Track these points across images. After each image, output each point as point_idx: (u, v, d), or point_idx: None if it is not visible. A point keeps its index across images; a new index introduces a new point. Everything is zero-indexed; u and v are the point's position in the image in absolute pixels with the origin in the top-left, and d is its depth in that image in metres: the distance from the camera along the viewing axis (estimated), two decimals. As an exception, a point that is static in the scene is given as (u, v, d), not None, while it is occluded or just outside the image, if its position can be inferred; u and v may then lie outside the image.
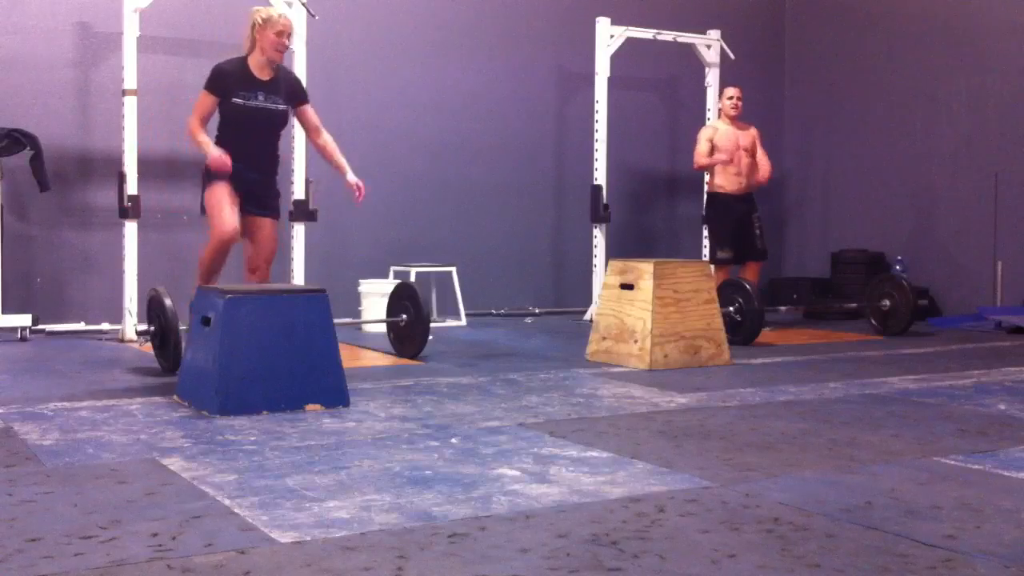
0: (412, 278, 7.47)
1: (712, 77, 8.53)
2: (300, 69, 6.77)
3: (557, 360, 5.80)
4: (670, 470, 3.14)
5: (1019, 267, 8.09)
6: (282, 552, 2.32)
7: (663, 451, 3.42)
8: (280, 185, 5.38)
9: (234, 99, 4.91)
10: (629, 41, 8.18)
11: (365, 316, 7.16)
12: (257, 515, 2.60)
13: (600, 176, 8.11)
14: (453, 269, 7.94)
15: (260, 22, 4.91)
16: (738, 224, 7.51)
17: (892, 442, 3.62)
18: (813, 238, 9.86)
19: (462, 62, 8.48)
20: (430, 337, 5.83)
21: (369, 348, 6.26)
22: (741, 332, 6.52)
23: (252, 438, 3.57)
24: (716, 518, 2.62)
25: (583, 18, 8.48)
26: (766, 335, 7.09)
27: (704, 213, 7.93)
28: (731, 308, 6.54)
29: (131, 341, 6.38)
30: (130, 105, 6.47)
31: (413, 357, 5.74)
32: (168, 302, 4.97)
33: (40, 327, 6.70)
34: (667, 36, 8.38)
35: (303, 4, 6.83)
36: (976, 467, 3.23)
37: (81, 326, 6.91)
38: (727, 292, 6.61)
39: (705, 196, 7.78)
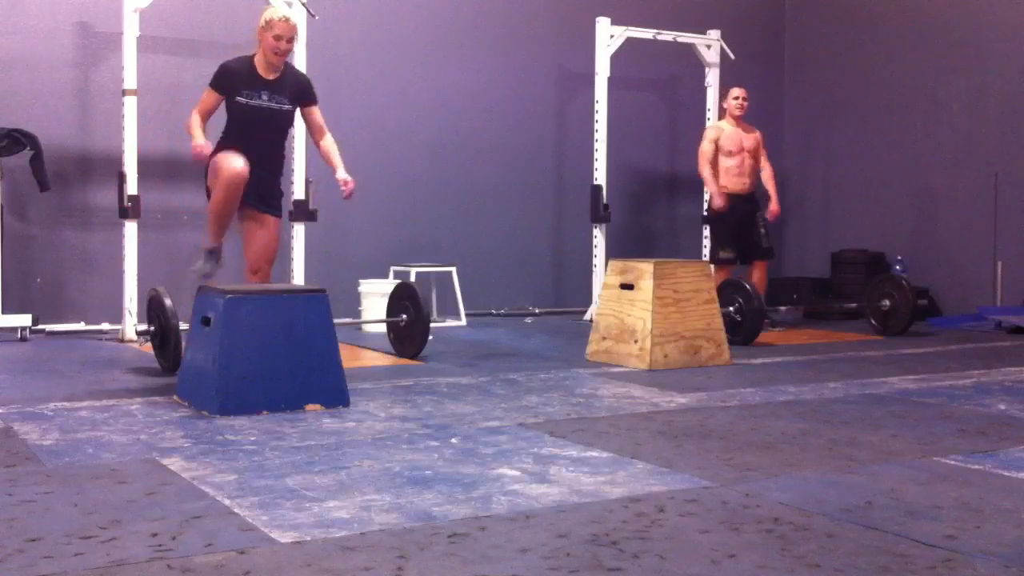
0: (412, 278, 7.47)
1: (712, 77, 8.53)
2: (300, 69, 6.76)
3: (557, 360, 5.80)
4: (670, 470, 3.14)
5: (1019, 267, 8.09)
6: (282, 552, 2.32)
7: (663, 451, 3.42)
8: (281, 185, 5.36)
9: (238, 98, 4.90)
10: (629, 41, 8.18)
11: (365, 316, 7.16)
12: (257, 515, 2.60)
13: (600, 176, 8.11)
14: (453, 269, 7.94)
15: (263, 23, 4.90)
16: (741, 224, 7.50)
17: (892, 442, 3.62)
18: (813, 238, 9.86)
19: (462, 62, 8.48)
20: (430, 337, 5.83)
21: (369, 348, 6.26)
22: (741, 332, 6.52)
23: (252, 438, 3.57)
24: (716, 518, 2.62)
25: (583, 18, 8.48)
26: (773, 335, 7.09)
27: (706, 213, 7.92)
28: (731, 308, 6.54)
29: (131, 341, 6.38)
30: (130, 105, 6.47)
31: (413, 357, 5.74)
32: (168, 302, 4.97)
33: (40, 327, 6.70)
34: (667, 36, 8.38)
35: (303, 4, 6.83)
36: (976, 467, 3.23)
37: (81, 326, 6.91)
38: (727, 292, 6.61)
39: (708, 196, 7.76)
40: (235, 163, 4.76)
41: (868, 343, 6.91)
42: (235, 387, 4.01)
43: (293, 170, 6.93)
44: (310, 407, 4.12)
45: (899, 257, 8.65)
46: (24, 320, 6.46)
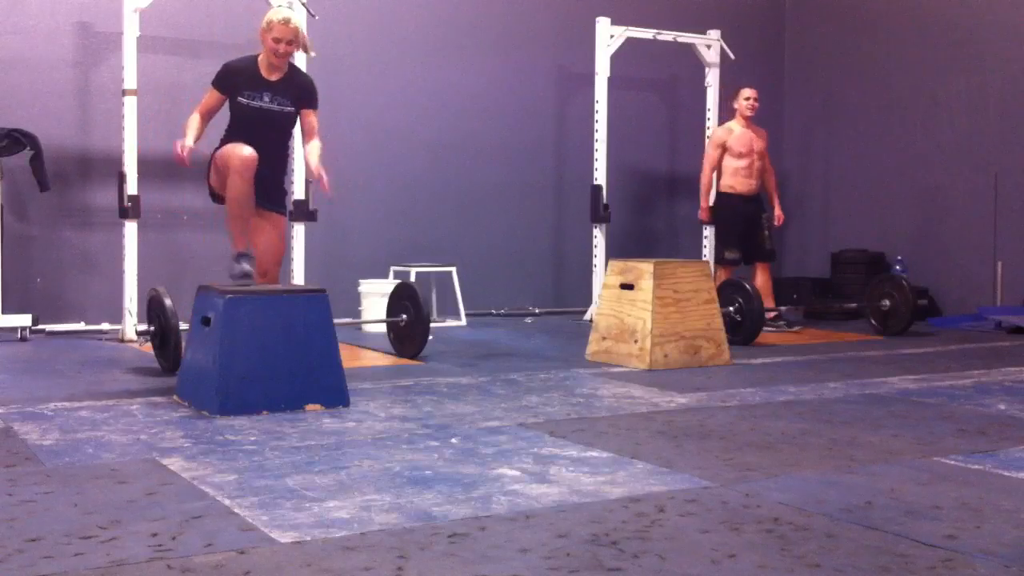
0: (412, 278, 7.47)
1: (712, 77, 8.53)
2: (300, 61, 6.75)
3: (557, 360, 5.80)
4: (670, 470, 3.14)
5: (1019, 267, 8.09)
6: (282, 552, 2.32)
7: (663, 451, 3.42)
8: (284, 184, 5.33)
9: (239, 98, 4.86)
10: (629, 41, 8.18)
11: (365, 316, 7.16)
12: (257, 515, 2.60)
13: (600, 176, 8.11)
14: (453, 269, 7.94)
15: (264, 25, 4.86)
16: (746, 225, 7.50)
17: (892, 442, 3.62)
18: (813, 238, 9.86)
19: (462, 62, 8.48)
20: (430, 337, 5.83)
21: (369, 348, 6.26)
22: (741, 332, 6.52)
23: (252, 438, 3.57)
24: (716, 518, 2.62)
25: (583, 18, 8.48)
26: (773, 336, 7.10)
27: (712, 213, 7.89)
28: (731, 308, 6.54)
29: (131, 341, 6.38)
30: (130, 105, 6.47)
31: (413, 357, 5.74)
32: (168, 302, 4.97)
33: (40, 327, 6.70)
34: (667, 36, 8.38)
35: (303, 4, 6.82)
36: (976, 467, 3.23)
37: (81, 326, 6.91)
38: (727, 292, 6.61)
39: (714, 196, 7.74)
40: (243, 150, 4.68)
41: (868, 343, 6.92)
42: (235, 387, 4.01)
43: (293, 170, 6.93)
44: (310, 407, 4.12)
45: (899, 257, 8.65)
46: (24, 320, 6.46)
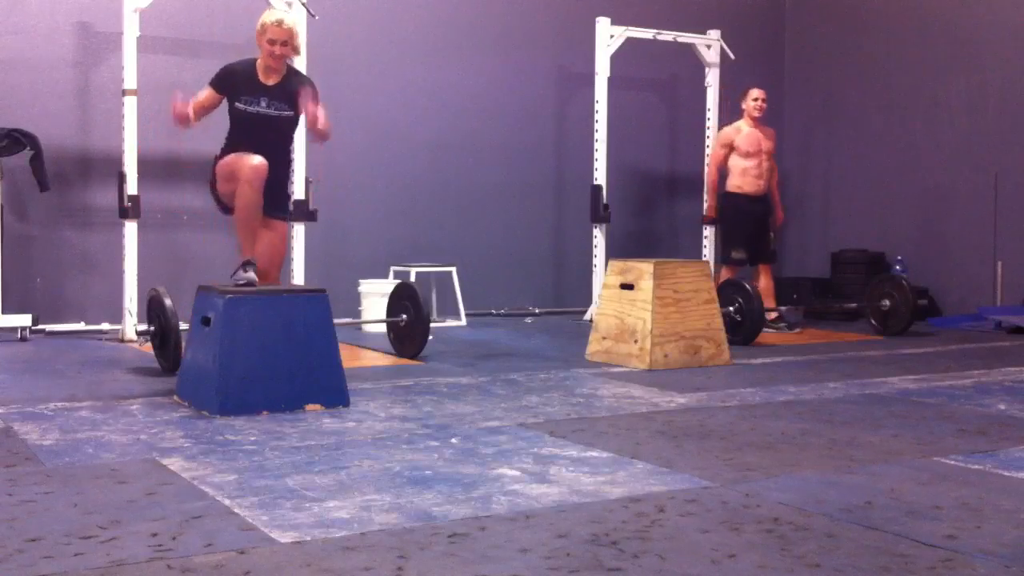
0: (412, 278, 7.47)
1: (712, 77, 8.53)
2: (300, 64, 6.76)
3: (557, 360, 5.80)
4: (670, 470, 3.14)
5: (1019, 267, 8.08)
6: (282, 552, 2.32)
7: (663, 451, 3.42)
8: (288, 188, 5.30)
9: (237, 104, 4.83)
10: (629, 41, 8.18)
11: (365, 316, 7.15)
12: (257, 515, 2.60)
13: (600, 176, 8.11)
14: (453, 269, 7.94)
15: (259, 27, 4.81)
16: (754, 226, 7.49)
17: (892, 442, 3.62)
18: (813, 238, 9.86)
19: (462, 62, 8.48)
20: (430, 337, 5.83)
21: (369, 348, 6.26)
22: (741, 332, 6.52)
23: (252, 438, 3.57)
24: (716, 518, 2.62)
25: (583, 18, 8.48)
26: (779, 336, 7.10)
27: (718, 213, 7.87)
28: (731, 308, 6.54)
29: (131, 341, 6.38)
30: (130, 105, 6.47)
31: (413, 357, 5.74)
32: (168, 302, 4.97)
33: (40, 327, 6.70)
34: (667, 36, 8.38)
35: (303, 4, 6.82)
36: (976, 467, 3.23)
37: (81, 326, 6.91)
38: (727, 292, 6.61)
39: (722, 195, 7.72)
40: (252, 159, 4.67)
41: (868, 343, 6.92)
42: (235, 387, 4.01)
43: (293, 170, 6.92)
44: (310, 407, 4.12)
45: (899, 257, 8.65)
46: (24, 320, 6.46)
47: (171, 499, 2.75)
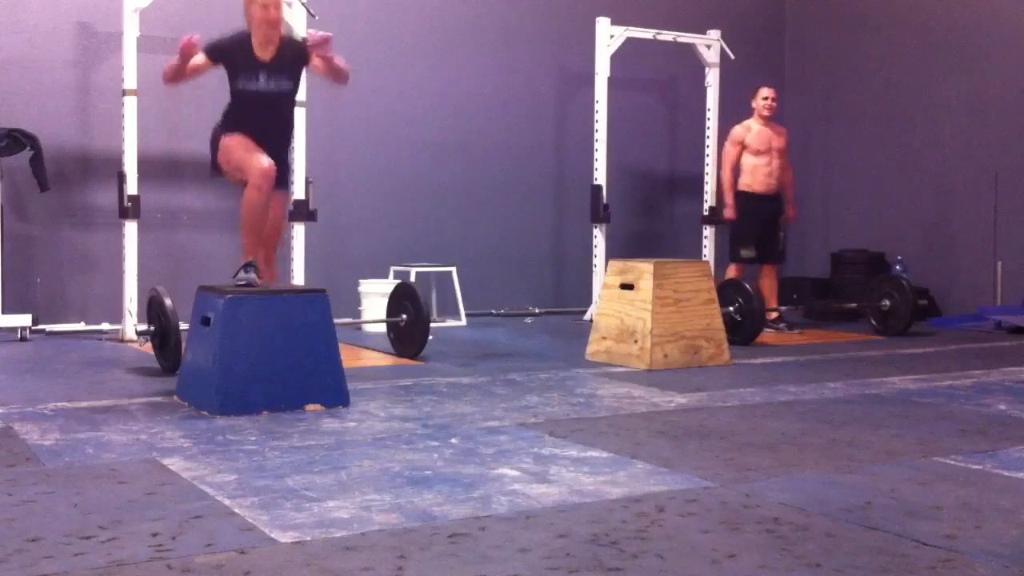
0: (412, 278, 7.47)
1: (712, 77, 8.52)
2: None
3: (557, 360, 5.80)
4: (670, 470, 3.14)
5: (1019, 267, 8.08)
6: (282, 552, 2.32)
7: (663, 451, 3.42)
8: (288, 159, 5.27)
9: (236, 83, 4.75)
10: (629, 41, 8.18)
11: (365, 316, 7.15)
12: (257, 515, 2.60)
13: (600, 176, 8.11)
14: (453, 269, 7.94)
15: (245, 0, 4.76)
16: (764, 224, 7.47)
17: (892, 442, 3.62)
18: (813, 238, 9.86)
19: (462, 62, 8.48)
20: (430, 337, 5.83)
21: (369, 348, 6.26)
22: (741, 332, 6.52)
23: (252, 438, 3.57)
24: (716, 518, 2.62)
25: (583, 18, 8.48)
26: (778, 336, 7.09)
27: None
28: (731, 308, 6.54)
29: (131, 341, 6.38)
30: (130, 105, 6.47)
31: (413, 357, 5.74)
32: (168, 302, 4.96)
33: (40, 327, 6.70)
34: (667, 36, 8.38)
35: (303, 4, 6.82)
36: (976, 467, 3.23)
37: (81, 326, 6.90)
38: (727, 292, 6.61)
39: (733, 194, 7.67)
40: (261, 161, 4.64)
41: (868, 343, 6.91)
42: (235, 387, 4.01)
43: (293, 171, 6.92)
44: (310, 407, 4.12)
45: (899, 257, 8.65)
46: (24, 320, 6.45)
47: (171, 499, 2.75)
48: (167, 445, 3.45)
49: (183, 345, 4.68)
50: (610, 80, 8.11)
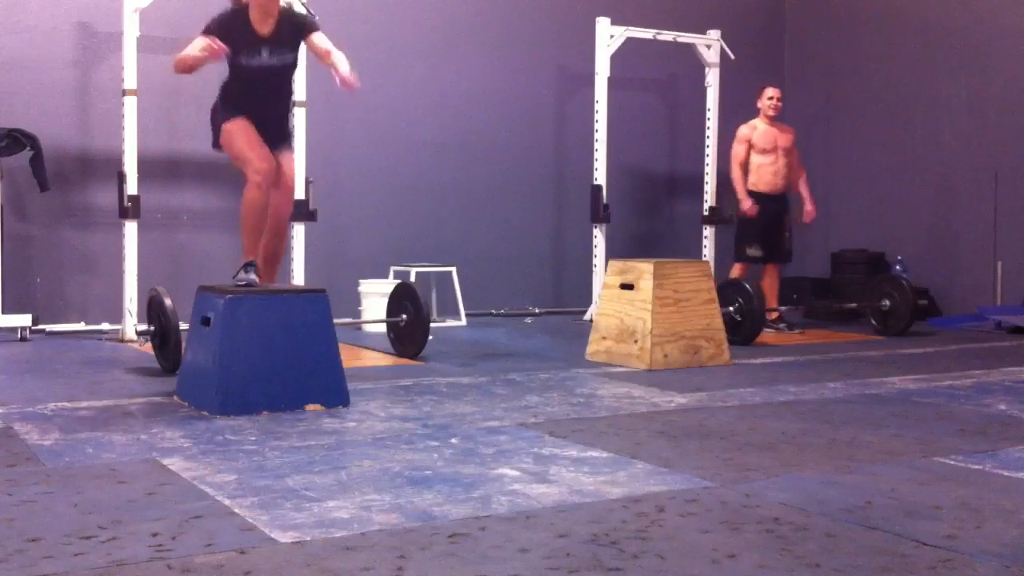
0: (412, 278, 7.47)
1: (712, 77, 8.53)
2: (300, 68, 6.75)
3: (557, 360, 5.80)
4: (670, 470, 3.14)
5: (1019, 267, 8.08)
6: (282, 552, 2.32)
7: (663, 451, 3.42)
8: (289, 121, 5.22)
9: (238, 60, 4.66)
10: (629, 41, 8.18)
11: (365, 316, 7.15)
12: (257, 515, 2.60)
13: (600, 176, 8.11)
14: (453, 269, 7.94)
15: None
16: (770, 223, 7.47)
17: (892, 442, 3.62)
18: (813, 238, 9.85)
19: (462, 62, 8.48)
20: (430, 337, 5.83)
21: (369, 348, 6.26)
22: (741, 332, 6.52)
23: (252, 438, 3.57)
24: (716, 518, 2.62)
25: (583, 18, 8.48)
26: (778, 336, 7.09)
27: (733, 210, 7.78)
28: (731, 308, 6.54)
29: (131, 341, 6.38)
30: (130, 105, 6.47)
31: (413, 357, 5.74)
32: (168, 302, 4.97)
33: (40, 327, 6.70)
34: (667, 36, 8.38)
35: (303, 4, 6.82)
36: (976, 467, 3.23)
37: (81, 326, 6.91)
38: (727, 292, 6.61)
39: (735, 194, 7.65)
40: (260, 160, 4.62)
41: (868, 343, 6.91)
42: (235, 387, 4.01)
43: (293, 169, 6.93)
44: (310, 407, 4.12)
45: (899, 257, 8.65)
46: (24, 320, 6.45)
47: (171, 499, 2.75)
48: (167, 445, 3.45)
49: (183, 345, 4.68)
50: (610, 80, 8.11)
